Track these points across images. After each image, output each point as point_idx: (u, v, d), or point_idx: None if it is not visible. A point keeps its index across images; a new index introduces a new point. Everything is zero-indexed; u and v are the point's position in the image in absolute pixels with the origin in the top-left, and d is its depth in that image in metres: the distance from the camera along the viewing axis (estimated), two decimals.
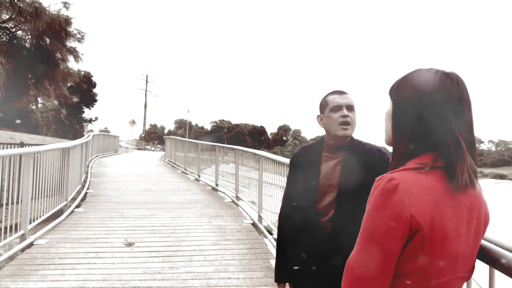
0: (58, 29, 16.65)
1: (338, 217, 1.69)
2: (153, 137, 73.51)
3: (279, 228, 1.90)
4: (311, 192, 1.75)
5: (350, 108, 1.76)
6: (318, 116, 1.85)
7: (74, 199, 6.82)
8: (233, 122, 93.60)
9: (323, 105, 1.81)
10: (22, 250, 4.16)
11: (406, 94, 0.96)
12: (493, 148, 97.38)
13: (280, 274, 1.84)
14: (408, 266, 0.88)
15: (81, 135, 30.32)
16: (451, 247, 0.89)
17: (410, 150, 0.94)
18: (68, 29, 17.25)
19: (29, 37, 17.19)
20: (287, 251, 1.83)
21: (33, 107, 30.26)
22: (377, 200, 0.88)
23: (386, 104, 1.05)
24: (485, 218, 0.97)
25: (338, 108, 1.75)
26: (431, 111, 0.92)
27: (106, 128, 62.91)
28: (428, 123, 0.92)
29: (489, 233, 1.07)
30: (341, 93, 1.79)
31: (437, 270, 0.89)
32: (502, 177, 75.13)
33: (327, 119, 1.77)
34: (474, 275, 1.09)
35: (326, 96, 1.82)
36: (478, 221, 0.95)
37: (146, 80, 43.49)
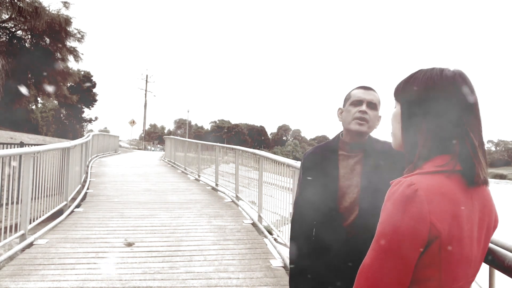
0: (58, 28, 16.65)
1: (362, 220, 1.57)
2: (153, 137, 73.55)
3: (295, 237, 1.74)
4: (331, 194, 1.63)
5: (372, 106, 1.64)
6: (339, 109, 1.74)
7: (74, 199, 6.82)
8: (233, 122, 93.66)
9: (346, 98, 1.71)
10: (22, 250, 4.16)
11: (415, 93, 0.93)
12: (493, 148, 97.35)
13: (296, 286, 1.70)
14: (424, 273, 0.86)
15: (81, 135, 30.32)
16: (466, 253, 0.87)
17: (425, 152, 0.91)
18: (68, 29, 17.26)
19: (29, 37, 17.20)
20: (305, 265, 1.68)
21: (33, 107, 30.25)
22: (396, 206, 0.84)
23: (392, 107, 1.02)
24: (494, 222, 0.96)
25: (358, 102, 1.64)
26: (444, 111, 0.89)
27: (106, 128, 63.03)
28: (442, 123, 0.89)
29: None
30: (366, 88, 1.68)
31: (453, 276, 0.87)
32: (502, 177, 75.07)
33: (346, 113, 1.68)
34: None
35: (352, 90, 1.71)
36: (489, 224, 0.94)
37: (146, 80, 43.47)
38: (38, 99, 26.09)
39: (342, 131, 1.73)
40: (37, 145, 6.78)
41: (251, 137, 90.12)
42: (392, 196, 0.86)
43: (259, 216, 5.67)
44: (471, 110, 0.91)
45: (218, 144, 9.85)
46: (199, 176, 10.61)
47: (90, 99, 36.74)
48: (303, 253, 1.69)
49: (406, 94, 0.96)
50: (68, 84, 24.08)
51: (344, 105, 1.72)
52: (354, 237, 1.58)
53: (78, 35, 17.76)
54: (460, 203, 0.86)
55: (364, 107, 1.63)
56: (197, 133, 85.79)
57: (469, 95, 0.91)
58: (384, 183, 1.04)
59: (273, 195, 5.19)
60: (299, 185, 1.81)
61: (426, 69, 0.96)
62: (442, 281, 0.86)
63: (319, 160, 1.72)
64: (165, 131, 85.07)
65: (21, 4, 14.96)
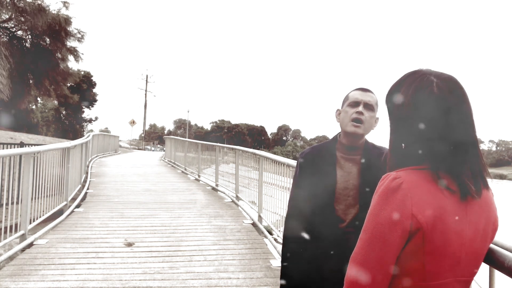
0: (58, 28, 16.65)
1: (359, 222, 1.57)
2: (153, 137, 73.51)
3: (287, 235, 1.75)
4: (328, 196, 1.64)
5: (369, 107, 1.66)
6: (337, 110, 1.76)
7: (74, 199, 6.82)
8: (233, 122, 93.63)
9: (344, 99, 1.73)
10: (22, 250, 4.16)
11: (399, 98, 0.96)
12: (493, 148, 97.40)
13: (288, 280, 1.71)
14: (408, 265, 0.89)
15: (81, 135, 30.31)
16: (452, 249, 0.88)
17: (410, 158, 0.94)
18: (68, 29, 17.26)
19: (29, 37, 17.19)
20: (296, 259, 1.70)
21: (33, 107, 30.24)
22: (381, 198, 0.89)
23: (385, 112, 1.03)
24: (493, 224, 0.97)
25: (355, 103, 1.66)
26: (428, 116, 0.91)
27: (106, 128, 63.02)
28: (426, 129, 0.91)
29: None
30: (364, 90, 1.69)
31: (437, 271, 0.89)
32: (502, 177, 75.11)
33: (343, 114, 1.70)
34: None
35: (350, 91, 1.73)
36: (486, 226, 0.94)
37: (146, 80, 43.49)
38: (38, 99, 26.09)
39: (339, 133, 1.75)
40: (37, 145, 6.78)
41: (251, 137, 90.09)
42: (379, 189, 0.91)
43: (259, 216, 5.67)
44: (467, 116, 0.92)
45: (218, 144, 9.86)
46: (199, 176, 10.61)
47: (90, 99, 36.71)
48: (297, 252, 1.70)
49: (392, 98, 0.99)
50: (68, 84, 24.07)
51: (342, 106, 1.74)
52: (351, 239, 1.58)
53: (78, 35, 17.76)
54: (446, 200, 0.88)
55: (360, 108, 1.65)
56: (197, 133, 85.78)
57: (465, 101, 0.93)
58: None
59: (273, 195, 5.19)
60: (294, 185, 1.81)
61: (411, 72, 0.97)
62: (426, 275, 0.88)
63: (316, 161, 1.72)
64: (165, 131, 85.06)
65: (21, 4, 14.96)
